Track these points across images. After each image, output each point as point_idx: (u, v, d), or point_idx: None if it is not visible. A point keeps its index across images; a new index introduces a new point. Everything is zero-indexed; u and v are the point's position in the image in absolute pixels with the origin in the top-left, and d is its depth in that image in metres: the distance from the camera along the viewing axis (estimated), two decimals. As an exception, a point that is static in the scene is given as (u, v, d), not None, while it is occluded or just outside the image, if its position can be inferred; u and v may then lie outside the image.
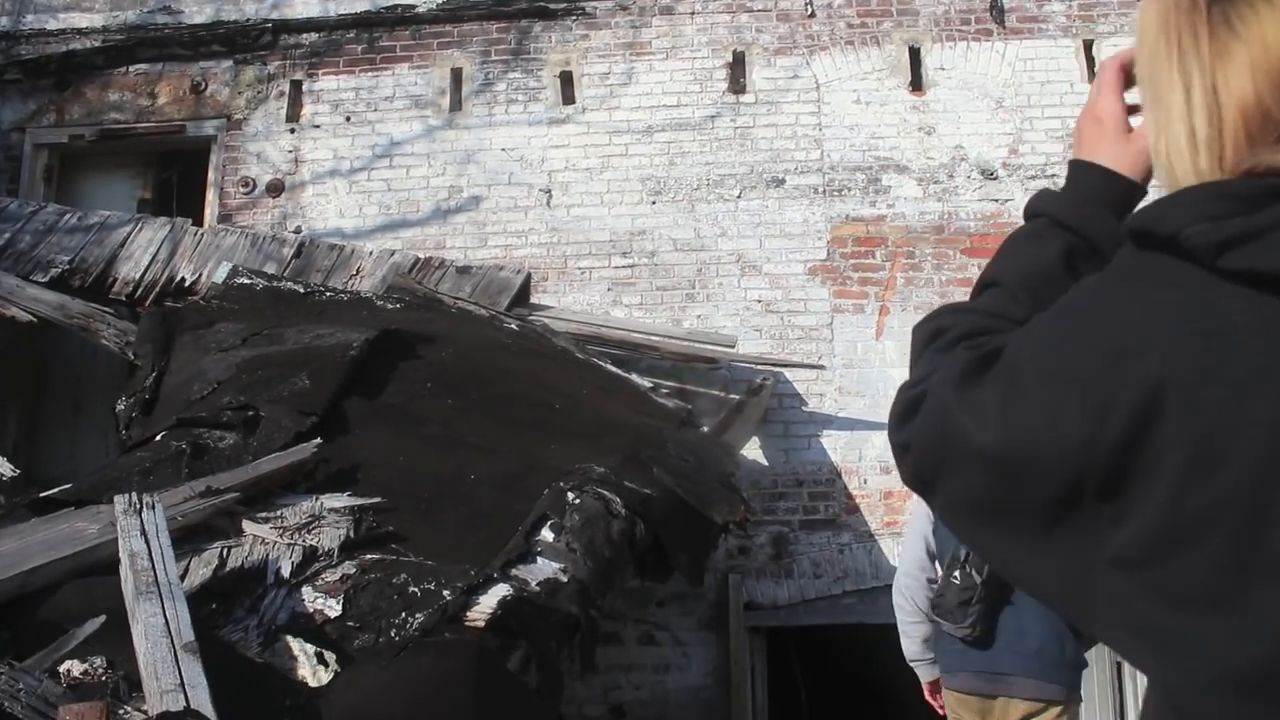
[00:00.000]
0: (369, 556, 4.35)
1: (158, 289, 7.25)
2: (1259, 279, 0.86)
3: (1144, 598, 0.88)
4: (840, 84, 7.55)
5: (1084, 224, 1.13)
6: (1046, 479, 0.92)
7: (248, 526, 4.46)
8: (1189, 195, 0.92)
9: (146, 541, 3.84)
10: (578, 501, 4.85)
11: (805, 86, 7.57)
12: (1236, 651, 0.84)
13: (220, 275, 7.11)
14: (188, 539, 4.32)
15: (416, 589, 4.11)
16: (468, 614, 4.04)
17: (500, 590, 4.15)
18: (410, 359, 5.96)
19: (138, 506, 4.01)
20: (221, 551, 4.29)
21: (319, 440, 4.97)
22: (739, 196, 7.49)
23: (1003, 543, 0.98)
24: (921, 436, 1.03)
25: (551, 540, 4.71)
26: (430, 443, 5.22)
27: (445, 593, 4.07)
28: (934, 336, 1.14)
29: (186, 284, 7.26)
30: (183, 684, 3.33)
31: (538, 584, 4.48)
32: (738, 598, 6.87)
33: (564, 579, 4.56)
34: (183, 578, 4.07)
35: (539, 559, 4.63)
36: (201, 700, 3.29)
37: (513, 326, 6.66)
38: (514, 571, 4.50)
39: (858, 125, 7.49)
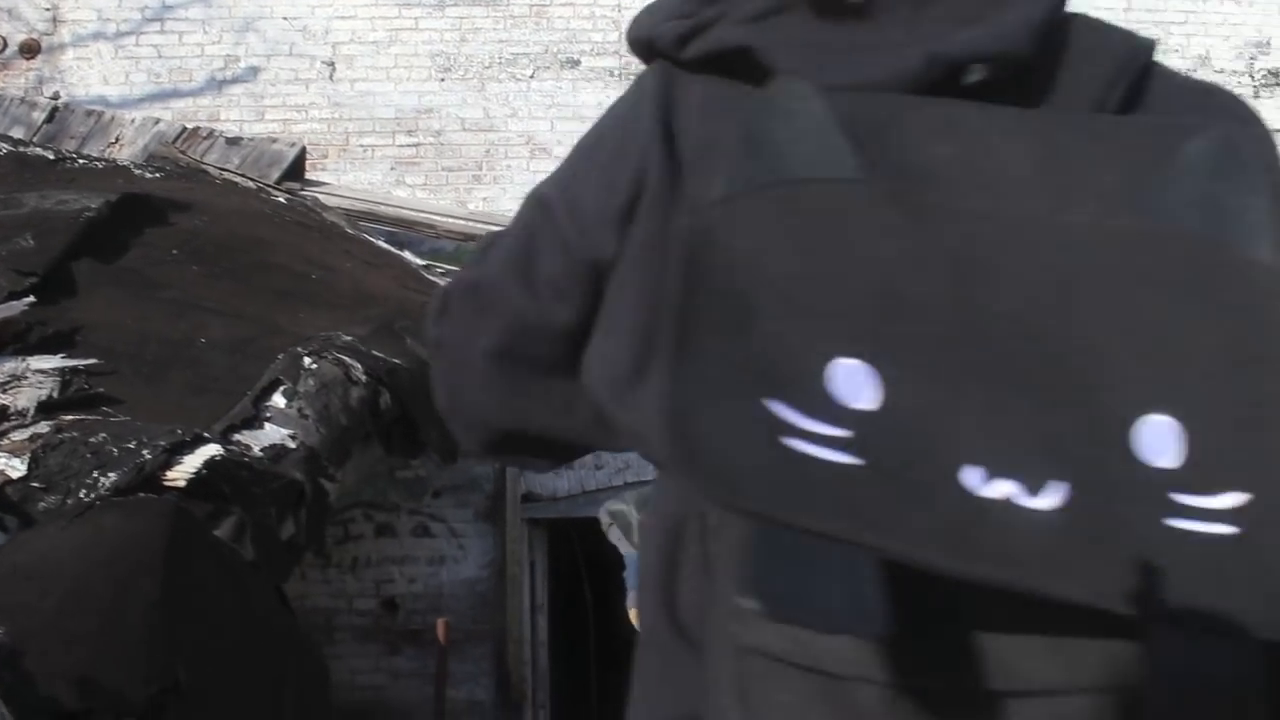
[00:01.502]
0: (69, 418, 4.01)
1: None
2: (709, 61, 0.93)
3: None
4: (641, -34, 7.30)
5: None
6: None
7: (-70, 384, 4.06)
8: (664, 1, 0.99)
9: None
10: (314, 366, 4.59)
11: (605, -33, 7.29)
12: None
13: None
14: None
15: (115, 448, 3.80)
16: (167, 474, 3.75)
17: (209, 451, 3.87)
18: (159, 226, 5.54)
19: None
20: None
21: (31, 299, 4.57)
22: (531, 76, 7.21)
23: None
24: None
25: (283, 406, 4.45)
26: (164, 306, 4.87)
27: (145, 452, 3.77)
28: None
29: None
30: None
31: (261, 450, 4.22)
32: (515, 489, 6.70)
33: (292, 445, 4.30)
34: None
35: (266, 425, 4.36)
36: None
37: (280, 200, 6.28)
38: (237, 437, 4.23)
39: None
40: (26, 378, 4.23)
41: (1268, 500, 0.71)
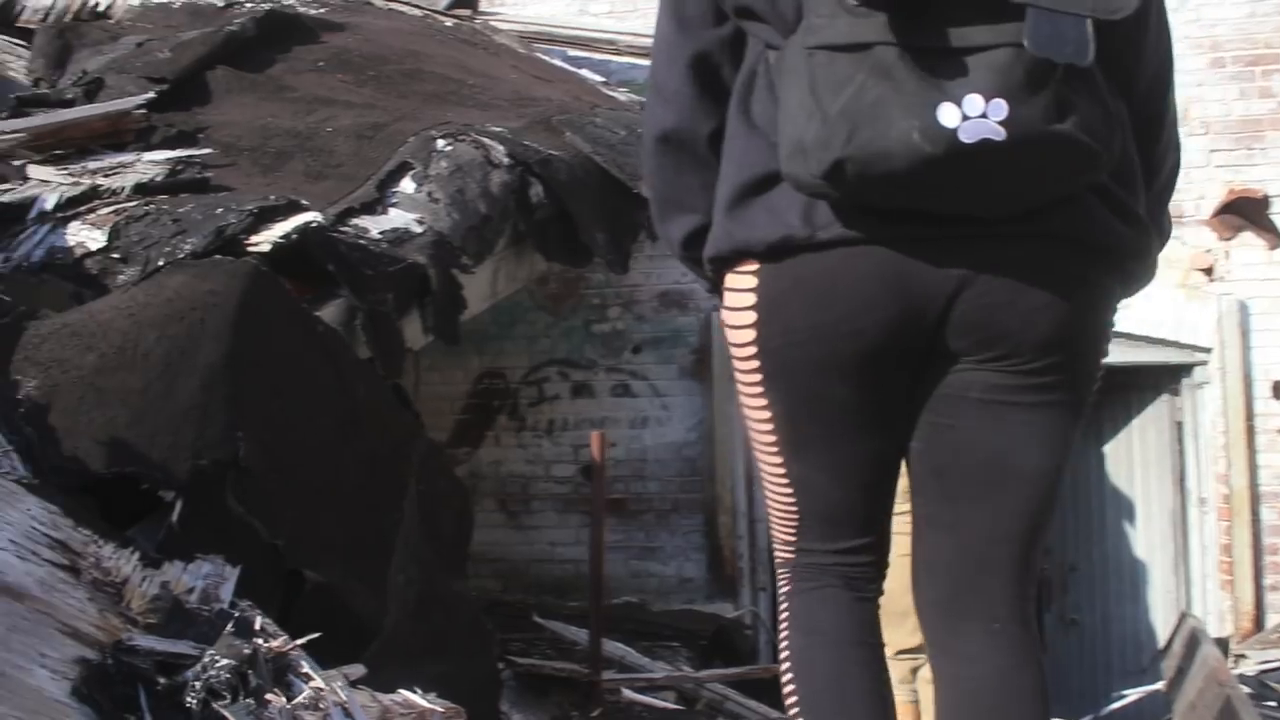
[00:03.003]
0: (164, 196, 3.53)
1: (70, 15, 6.47)
2: None
3: None
4: None
5: None
6: None
7: (32, 170, 3.68)
8: None
9: None
10: (449, 148, 3.94)
11: None
12: None
13: (134, -4, 6.30)
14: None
15: (200, 215, 3.27)
16: (251, 239, 3.19)
17: (303, 218, 3.29)
18: (309, 43, 5.08)
19: None
20: (-13, 192, 3.51)
21: (147, 97, 4.15)
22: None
23: None
24: None
25: (411, 191, 3.83)
26: (295, 104, 4.36)
27: (231, 218, 3.22)
28: None
29: (101, 8, 6.47)
30: None
31: (381, 233, 3.61)
32: (723, 341, 5.90)
33: (417, 230, 3.68)
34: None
35: (391, 210, 3.75)
36: None
37: (446, 24, 5.71)
38: (356, 221, 3.64)
39: None
40: (133, 166, 3.80)
41: None
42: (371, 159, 3.89)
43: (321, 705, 1.79)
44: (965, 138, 1.28)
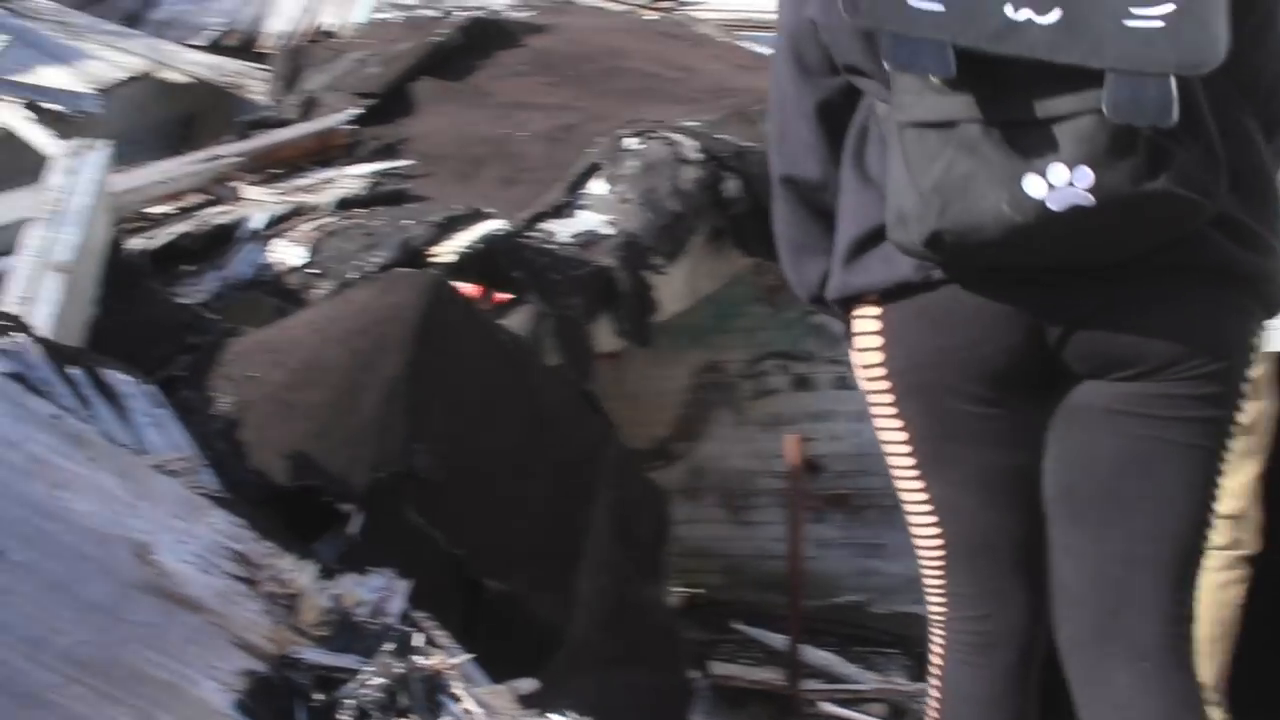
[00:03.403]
0: (362, 211, 3.63)
1: (304, 37, 6.84)
2: None
3: None
4: None
5: None
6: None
7: (245, 190, 3.86)
8: None
9: (73, 178, 3.30)
10: (639, 147, 3.88)
11: None
12: None
13: (360, 15, 6.60)
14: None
15: (390, 229, 3.34)
16: (436, 250, 3.23)
17: (486, 226, 3.30)
18: (512, 47, 5.14)
19: (81, 150, 3.48)
20: (205, 212, 3.72)
21: (352, 113, 4.29)
22: None
23: None
24: None
25: (601, 193, 3.79)
26: (493, 111, 4.41)
27: (417, 230, 3.27)
28: None
29: (329, 30, 6.81)
30: (32, 299, 2.78)
31: (572, 236, 3.59)
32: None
33: (606, 231, 3.64)
34: (146, 232, 3.55)
35: (580, 212, 3.73)
36: (40, 315, 2.72)
37: (648, 17, 5.67)
38: (545, 225, 3.64)
39: None
40: (337, 181, 3.93)
41: (1186, 7, 1.30)
42: (562, 162, 3.88)
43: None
44: (1054, 206, 1.32)
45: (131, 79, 6.71)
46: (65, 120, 6.38)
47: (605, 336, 3.55)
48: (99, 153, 3.44)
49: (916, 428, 1.51)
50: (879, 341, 1.51)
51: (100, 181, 3.31)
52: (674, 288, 3.90)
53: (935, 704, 1.53)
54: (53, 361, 2.48)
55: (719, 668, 4.02)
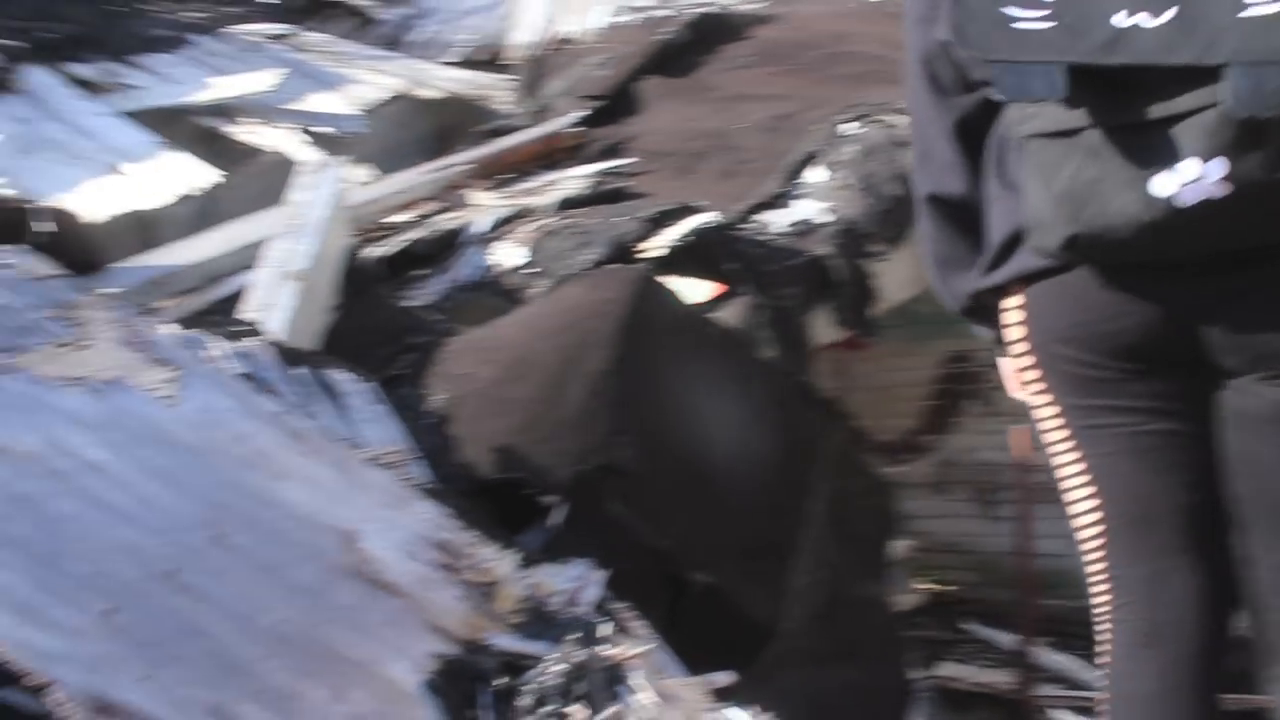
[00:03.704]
0: (580, 210, 3.70)
1: (547, 46, 7.07)
2: None
3: None
4: None
5: None
6: None
7: (475, 196, 4.02)
8: None
9: (313, 193, 3.53)
10: (857, 131, 3.78)
11: None
12: None
13: (597, 20, 6.76)
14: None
15: (603, 226, 3.39)
16: (645, 245, 3.25)
17: (696, 220, 3.29)
18: (738, 40, 5.13)
19: (321, 167, 3.72)
20: (438, 219, 3.89)
21: (577, 115, 4.39)
22: None
23: None
24: None
25: (818, 181, 3.72)
26: (716, 104, 4.40)
27: (628, 226, 3.30)
28: None
29: (568, 38, 7.01)
30: (269, 306, 2.99)
31: (789, 225, 3.54)
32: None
33: (823, 220, 3.56)
34: (383, 240, 3.76)
35: (797, 201, 3.67)
36: (275, 321, 2.92)
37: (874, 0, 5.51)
38: (760, 216, 3.60)
39: None
40: (560, 183, 4.03)
41: None
42: (780, 151, 3.83)
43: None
44: (1184, 201, 1.34)
45: (391, 98, 7.14)
46: (334, 141, 6.87)
47: (821, 328, 3.47)
48: (336, 169, 3.67)
49: (1063, 400, 1.55)
50: (1021, 317, 1.57)
51: (336, 195, 3.53)
52: (898, 275, 3.77)
53: (1105, 704, 1.48)
54: (281, 363, 2.65)
55: (945, 669, 3.85)
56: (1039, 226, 1.45)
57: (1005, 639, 4.39)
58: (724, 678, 2.34)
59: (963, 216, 1.65)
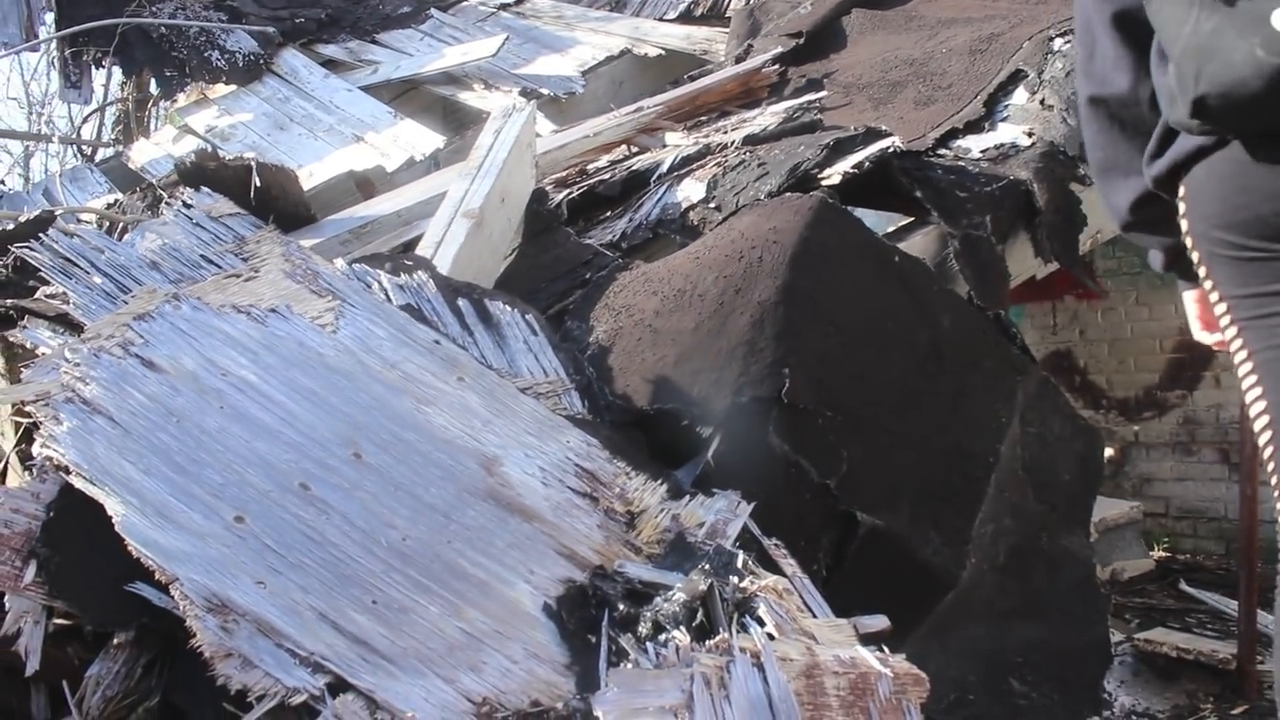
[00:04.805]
0: (766, 145, 3.56)
1: (765, -6, 6.90)
2: None
3: None
4: None
5: None
6: None
7: (668, 137, 3.95)
8: None
9: (496, 135, 3.56)
10: (1066, 46, 3.47)
11: None
12: None
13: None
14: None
15: (783, 155, 3.25)
16: (824, 173, 3.09)
17: (879, 145, 3.10)
18: (954, -32, 4.82)
19: (509, 110, 3.74)
20: (628, 162, 3.85)
21: (775, 52, 4.25)
22: None
23: None
24: None
25: (1023, 102, 3.44)
26: (920, 32, 4.15)
27: (808, 154, 3.15)
28: None
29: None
30: (439, 242, 3.03)
31: (982, 151, 3.30)
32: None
33: (1025, 143, 3.29)
34: (574, 184, 3.76)
35: (1000, 125, 3.41)
36: (444, 256, 2.96)
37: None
38: (957, 142, 3.37)
39: None
40: (754, 120, 3.90)
41: None
42: (982, 73, 3.57)
43: (728, 651, 1.65)
44: None
45: (609, 58, 7.19)
46: (556, 102, 6.98)
47: (1022, 258, 3.21)
48: (522, 113, 3.69)
49: (1228, 294, 1.48)
50: (1182, 209, 1.51)
51: (519, 138, 3.54)
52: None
53: None
54: (443, 295, 2.68)
55: (1155, 633, 3.50)
56: (1170, 99, 1.38)
57: (1227, 605, 3.97)
58: (876, 622, 2.19)
59: (1127, 116, 1.58)
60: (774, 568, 2.22)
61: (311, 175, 5.46)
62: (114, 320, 2.20)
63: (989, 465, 2.85)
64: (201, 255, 2.55)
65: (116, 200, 7.29)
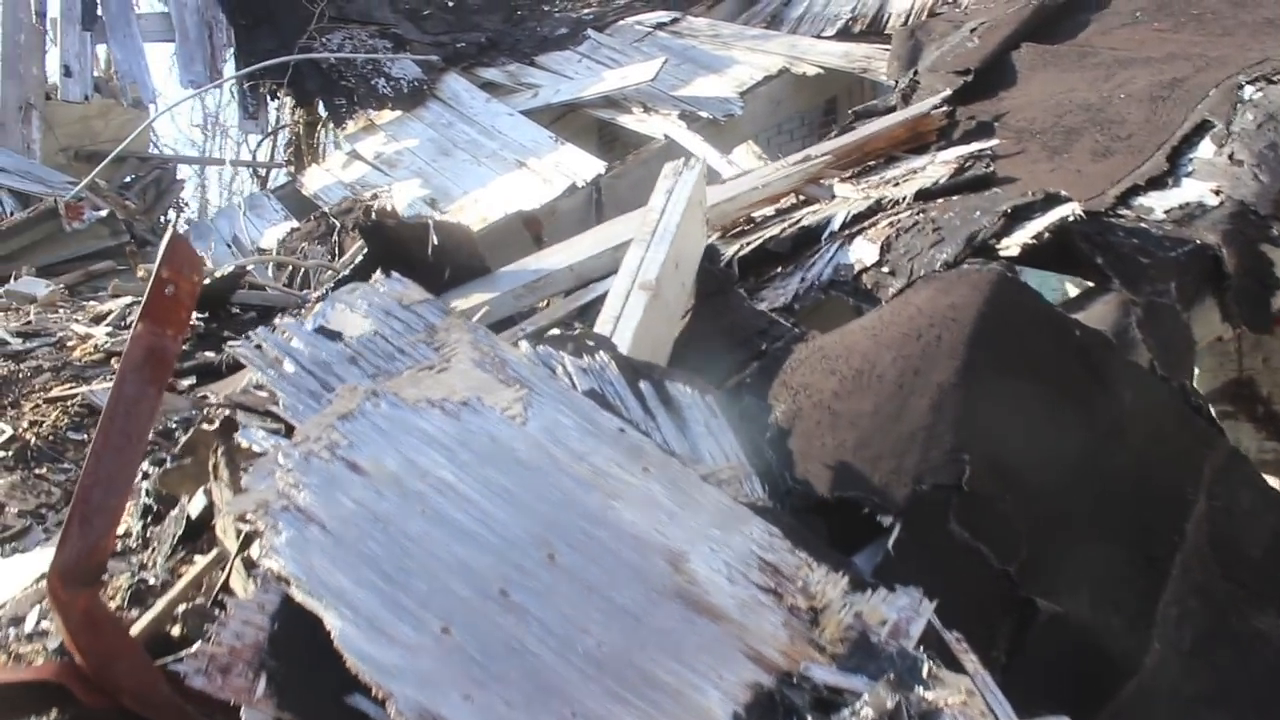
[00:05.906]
0: (938, 202, 3.54)
1: (925, 12, 6.80)
2: None
3: None
4: None
5: None
6: None
7: (837, 188, 3.95)
8: None
9: (668, 197, 3.62)
10: (1258, 95, 3.34)
11: None
12: None
13: (981, -21, 6.39)
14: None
15: (959, 221, 3.23)
16: (1001, 244, 3.05)
17: (1060, 212, 3.05)
18: (1128, -6, 4.69)
19: (680, 169, 3.80)
20: (798, 213, 3.87)
21: (943, 95, 4.19)
22: None
23: None
24: None
25: (1209, 156, 3.33)
26: (1093, 71, 4.05)
27: (984, 221, 3.12)
28: None
29: (946, 2, 6.70)
30: (619, 317, 3.12)
31: (1165, 212, 3.21)
32: None
33: (1212, 202, 3.19)
34: (744, 238, 3.80)
35: (1183, 181, 3.31)
36: (623, 332, 3.04)
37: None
38: (1138, 200, 3.29)
39: None
40: (924, 170, 3.87)
41: None
42: (1165, 123, 3.47)
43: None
44: None
45: (767, 77, 7.19)
46: (714, 124, 7.02)
47: (1208, 325, 3.12)
48: (693, 171, 3.74)
49: None
50: None
51: (691, 198, 3.60)
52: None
53: None
54: (625, 376, 2.75)
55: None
56: None
57: None
58: (1063, 723, 2.19)
59: None
60: (955, 663, 2.23)
61: (485, 220, 5.63)
62: (320, 421, 2.33)
63: (1173, 544, 2.79)
64: (396, 347, 2.68)
65: (293, 229, 7.66)
